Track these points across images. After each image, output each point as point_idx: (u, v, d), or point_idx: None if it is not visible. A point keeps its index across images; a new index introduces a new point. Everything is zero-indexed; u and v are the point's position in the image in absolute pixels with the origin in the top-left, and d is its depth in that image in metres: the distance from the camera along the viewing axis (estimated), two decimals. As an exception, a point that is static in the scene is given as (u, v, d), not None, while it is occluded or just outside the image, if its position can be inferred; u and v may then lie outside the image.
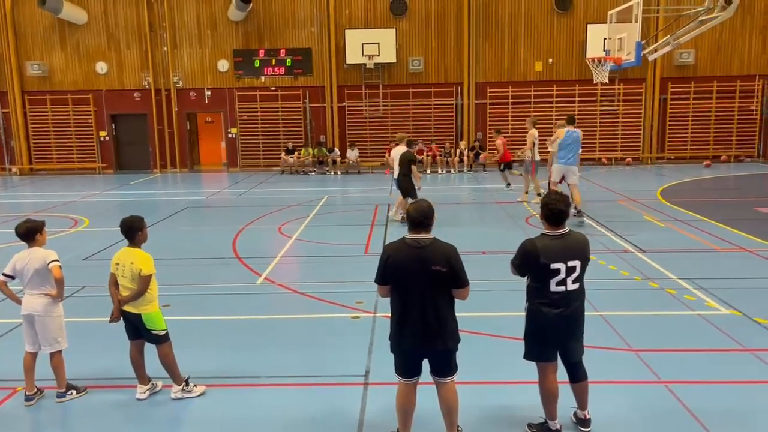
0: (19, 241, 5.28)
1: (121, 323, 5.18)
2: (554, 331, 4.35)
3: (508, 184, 17.06)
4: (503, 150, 16.66)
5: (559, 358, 4.50)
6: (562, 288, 4.26)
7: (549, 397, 4.46)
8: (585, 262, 4.35)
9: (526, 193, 14.95)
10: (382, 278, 4.21)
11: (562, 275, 4.24)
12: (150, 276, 5.01)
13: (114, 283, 5.12)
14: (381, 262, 4.20)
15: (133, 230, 5.09)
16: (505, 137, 17.15)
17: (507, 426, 4.72)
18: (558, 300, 4.27)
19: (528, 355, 4.50)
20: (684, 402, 4.96)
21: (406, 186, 12.07)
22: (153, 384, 5.32)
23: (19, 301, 5.23)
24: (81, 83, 23.39)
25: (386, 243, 4.33)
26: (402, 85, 23.11)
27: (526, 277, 4.44)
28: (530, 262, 4.30)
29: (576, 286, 4.31)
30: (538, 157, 14.75)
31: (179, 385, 5.22)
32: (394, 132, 22.96)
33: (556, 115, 22.88)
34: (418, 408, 4.39)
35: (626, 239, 10.60)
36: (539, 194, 13.90)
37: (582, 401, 4.58)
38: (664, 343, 6.17)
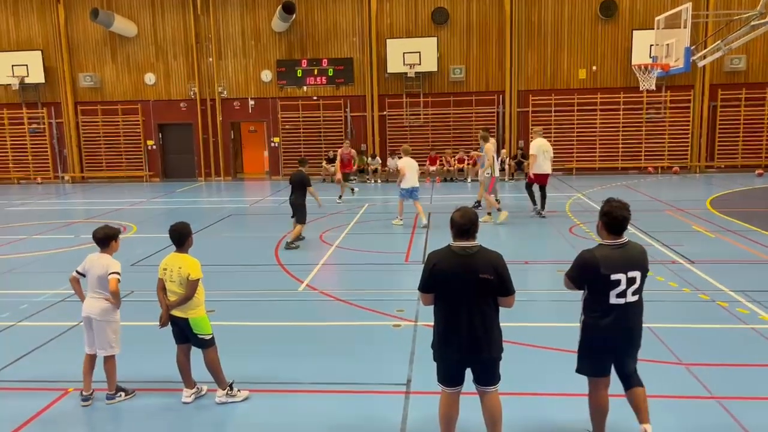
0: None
1: (169, 327, 5.30)
2: (611, 346, 4.20)
3: (340, 197, 17.25)
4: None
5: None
6: (621, 300, 4.09)
7: (599, 412, 4.33)
8: (645, 273, 4.17)
9: (489, 214, 13.54)
10: (426, 286, 4.17)
11: (623, 286, 4.06)
12: (198, 280, 5.12)
13: (162, 288, 5.24)
14: (426, 269, 4.16)
15: (184, 236, 5.22)
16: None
17: (551, 439, 4.64)
18: (617, 313, 4.10)
19: (581, 370, 4.36)
20: (737, 418, 4.78)
21: (297, 208, 11.42)
22: (198, 388, 5.41)
23: (83, 299, 5.43)
24: (130, 94, 24.11)
25: (430, 251, 4.30)
26: (443, 93, 23.09)
27: (583, 291, 4.27)
28: (589, 274, 4.13)
29: (635, 298, 4.14)
30: (498, 173, 13.87)
31: (223, 390, 5.29)
32: (434, 141, 23.05)
33: (600, 124, 22.55)
34: (460, 418, 4.36)
35: (674, 250, 10.32)
36: (490, 213, 13.51)
37: (641, 411, 4.30)
38: (715, 357, 5.97)
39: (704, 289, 8.16)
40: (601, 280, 4.06)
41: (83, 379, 5.42)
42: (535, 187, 14.06)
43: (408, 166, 12.98)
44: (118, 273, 5.31)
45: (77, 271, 5.44)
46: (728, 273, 8.87)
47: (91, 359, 5.42)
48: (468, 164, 21.98)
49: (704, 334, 6.65)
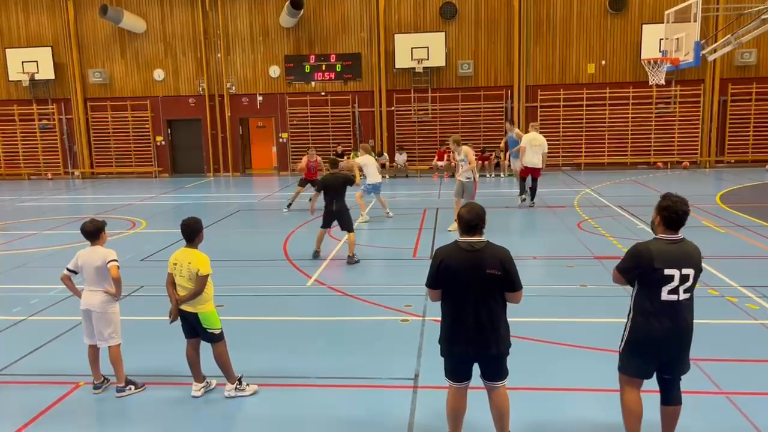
0: (82, 242, 5.51)
1: (179, 322, 5.34)
2: (658, 346, 4.02)
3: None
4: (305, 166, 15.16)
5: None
6: (673, 297, 3.95)
7: (634, 416, 4.16)
8: (698, 271, 4.03)
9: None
10: (433, 282, 4.18)
11: (675, 282, 3.93)
12: (207, 276, 5.15)
13: (171, 283, 5.27)
14: (433, 265, 4.17)
15: (195, 231, 5.25)
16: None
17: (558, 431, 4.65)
18: (668, 310, 3.96)
19: (624, 369, 4.19)
20: (747, 414, 4.77)
21: (343, 214, 9.91)
22: (207, 382, 5.45)
23: (80, 295, 5.49)
24: (139, 90, 24.21)
25: (438, 247, 4.30)
26: (451, 88, 23.03)
27: (633, 287, 4.14)
28: (642, 267, 3.99)
29: (687, 296, 3.99)
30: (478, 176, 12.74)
31: (232, 384, 5.33)
32: (443, 136, 23.00)
33: (609, 119, 22.44)
34: (468, 413, 4.37)
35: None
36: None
37: (669, 429, 4.24)
38: (724, 353, 5.96)
39: (714, 284, 8.12)
40: (654, 273, 3.94)
41: (91, 369, 5.51)
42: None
43: (368, 164, 13.37)
44: (116, 260, 5.37)
45: (68, 269, 5.47)
46: (738, 268, 8.82)
47: (95, 350, 5.51)
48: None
49: (713, 329, 6.61)
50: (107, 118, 24.50)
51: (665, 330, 3.99)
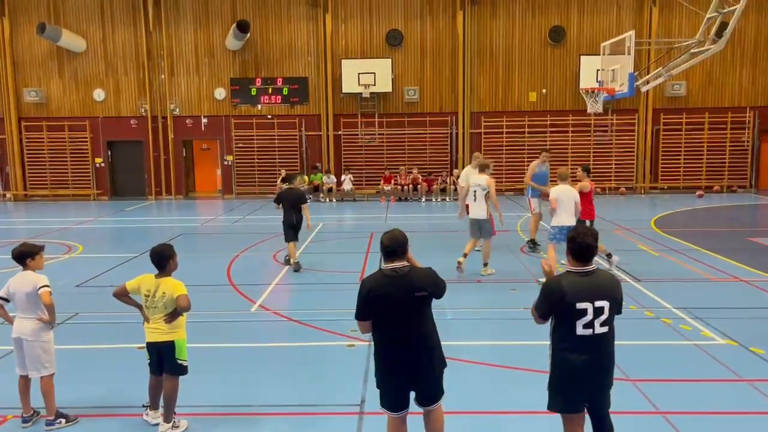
0: (16, 267, 5.26)
1: (144, 353, 5.11)
2: (581, 380, 3.95)
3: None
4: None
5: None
6: (589, 331, 3.88)
7: None
8: (614, 303, 3.96)
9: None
10: (363, 313, 4.14)
11: (589, 316, 3.86)
12: (186, 294, 4.96)
13: (124, 294, 5.09)
14: (361, 296, 4.13)
15: (164, 259, 5.05)
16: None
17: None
18: (585, 345, 3.89)
19: (552, 406, 4.08)
20: (682, 433, 4.92)
21: (298, 227, 11.06)
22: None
23: (12, 322, 5.20)
24: (78, 110, 23.48)
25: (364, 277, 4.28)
26: (397, 114, 23.31)
27: (551, 322, 4.09)
28: (554, 302, 3.94)
29: (605, 329, 3.93)
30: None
31: (168, 423, 5.04)
32: (390, 160, 23.17)
33: (550, 145, 23.11)
34: (413, 438, 4.34)
35: (621, 268, 10.60)
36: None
37: None
38: (661, 373, 6.14)
39: (649, 306, 8.40)
40: (567, 308, 3.89)
41: (20, 401, 5.21)
42: None
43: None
44: (48, 286, 5.12)
45: (0, 297, 5.22)
46: (672, 291, 9.16)
47: (26, 381, 5.21)
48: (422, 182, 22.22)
49: (650, 350, 6.83)
50: (43, 138, 23.63)
51: (584, 364, 3.92)
